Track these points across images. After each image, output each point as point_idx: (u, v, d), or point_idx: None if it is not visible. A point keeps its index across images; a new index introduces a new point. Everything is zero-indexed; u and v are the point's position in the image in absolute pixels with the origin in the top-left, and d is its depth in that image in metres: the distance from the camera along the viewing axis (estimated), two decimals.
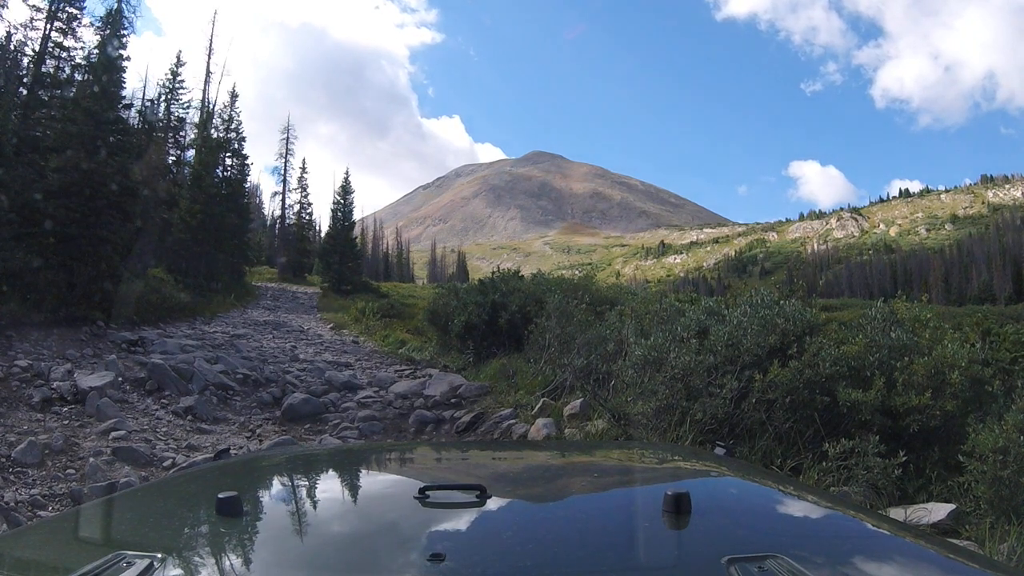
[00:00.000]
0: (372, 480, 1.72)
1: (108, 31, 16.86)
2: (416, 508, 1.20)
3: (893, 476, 4.60)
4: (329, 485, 1.68)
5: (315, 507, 1.39)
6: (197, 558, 1.08)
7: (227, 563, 1.04)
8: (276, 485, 1.66)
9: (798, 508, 1.41)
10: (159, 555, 0.97)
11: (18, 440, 5.99)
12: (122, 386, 8.32)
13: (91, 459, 5.80)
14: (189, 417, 7.83)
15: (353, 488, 1.60)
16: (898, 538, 1.28)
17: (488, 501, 1.21)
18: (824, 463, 4.84)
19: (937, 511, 4.23)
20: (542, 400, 7.54)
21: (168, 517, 1.35)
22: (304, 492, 1.54)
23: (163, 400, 8.27)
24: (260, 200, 52.37)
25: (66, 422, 6.89)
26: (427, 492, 1.23)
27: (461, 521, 1.19)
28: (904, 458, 4.62)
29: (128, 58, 16.73)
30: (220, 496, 1.16)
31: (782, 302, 6.70)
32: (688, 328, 6.51)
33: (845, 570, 1.04)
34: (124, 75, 16.57)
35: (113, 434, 6.60)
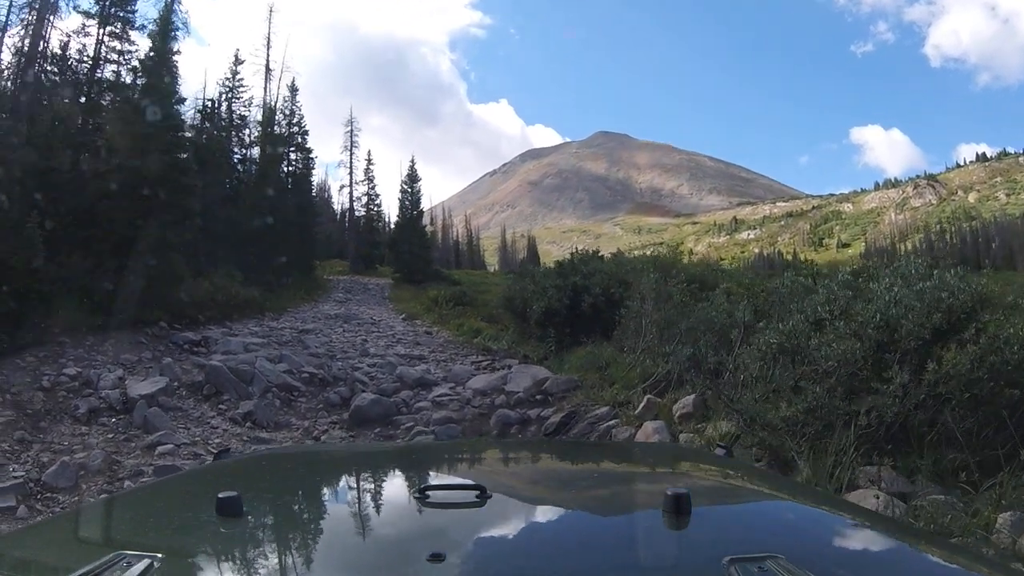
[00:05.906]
0: (372, 480, 1.66)
1: (160, 33, 16.66)
2: (416, 508, 1.19)
3: None
4: (329, 485, 1.62)
5: (315, 507, 1.39)
6: (197, 558, 1.06)
7: (227, 563, 1.02)
8: (276, 485, 1.56)
9: (798, 509, 1.39)
10: (159, 555, 0.94)
11: (51, 460, 5.31)
12: (177, 392, 7.69)
13: (127, 482, 5.06)
14: (248, 424, 7.15)
15: (353, 488, 1.55)
16: (897, 539, 1.28)
17: (488, 501, 1.17)
18: None
19: None
20: (646, 397, 6.37)
21: (168, 517, 1.30)
22: (304, 492, 1.51)
23: (220, 406, 7.59)
24: (328, 194, 52.72)
25: (111, 435, 6.25)
26: (427, 492, 1.22)
27: (461, 521, 1.15)
28: None
29: (179, 51, 16.84)
30: (220, 496, 1.12)
31: (937, 272, 5.30)
32: (829, 307, 5.24)
33: (845, 571, 1.02)
34: (178, 75, 16.64)
35: (159, 449, 5.92)
